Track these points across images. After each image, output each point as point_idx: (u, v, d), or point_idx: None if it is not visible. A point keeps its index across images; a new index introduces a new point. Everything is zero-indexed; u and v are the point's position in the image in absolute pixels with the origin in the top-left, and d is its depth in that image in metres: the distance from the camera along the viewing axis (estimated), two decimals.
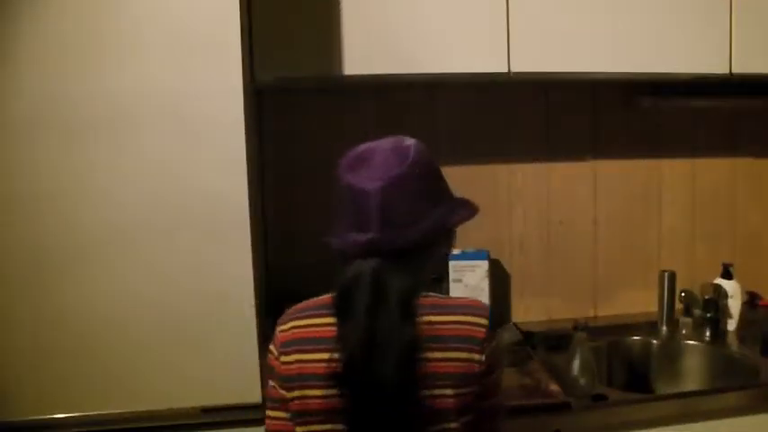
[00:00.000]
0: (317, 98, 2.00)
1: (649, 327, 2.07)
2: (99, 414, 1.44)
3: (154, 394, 1.45)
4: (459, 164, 2.02)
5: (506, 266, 2.17)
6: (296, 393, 1.11)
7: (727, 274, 2.03)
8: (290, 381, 1.11)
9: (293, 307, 1.18)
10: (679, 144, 2.21)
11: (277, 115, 2.00)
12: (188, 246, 1.42)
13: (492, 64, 1.75)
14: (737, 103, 2.13)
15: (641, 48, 1.80)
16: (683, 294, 2.02)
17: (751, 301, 2.20)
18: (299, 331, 1.13)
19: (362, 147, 1.15)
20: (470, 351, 1.08)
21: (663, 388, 1.97)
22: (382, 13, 1.70)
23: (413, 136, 1.17)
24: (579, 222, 2.19)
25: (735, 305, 2.03)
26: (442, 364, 1.07)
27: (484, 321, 1.11)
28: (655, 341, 2.02)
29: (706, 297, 2.00)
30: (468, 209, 1.20)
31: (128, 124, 1.38)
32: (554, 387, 1.66)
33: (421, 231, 1.10)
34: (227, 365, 1.46)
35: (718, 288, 2.02)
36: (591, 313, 2.21)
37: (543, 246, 2.18)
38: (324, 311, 1.12)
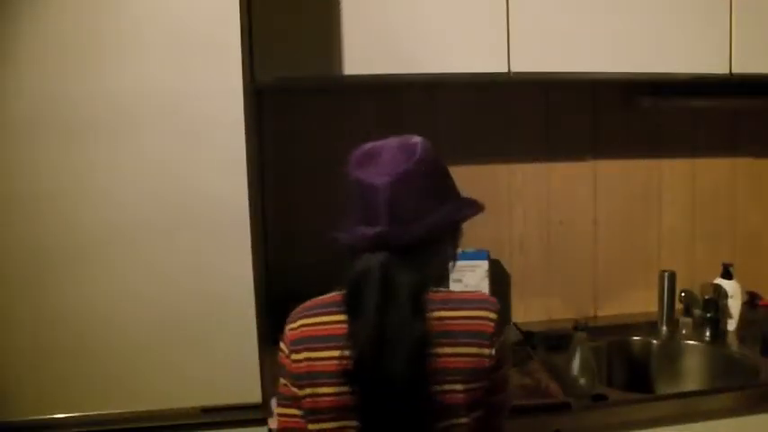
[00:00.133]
0: (317, 98, 2.00)
1: (649, 327, 2.07)
2: (99, 414, 1.43)
3: (154, 394, 1.45)
4: (459, 164, 1.98)
5: (506, 266, 2.17)
6: (307, 391, 1.11)
7: (727, 274, 2.03)
8: (300, 378, 1.12)
9: (302, 305, 1.18)
10: (679, 144, 2.21)
11: (277, 115, 1.99)
12: (188, 246, 1.42)
13: (492, 64, 1.75)
14: (737, 103, 2.13)
15: (641, 48, 1.80)
16: (683, 294, 2.02)
17: (751, 301, 2.20)
18: (308, 329, 1.14)
19: (370, 144, 1.16)
20: (480, 346, 1.09)
21: (663, 388, 1.98)
22: (382, 13, 1.70)
23: None
24: (579, 222, 2.19)
25: (735, 305, 2.03)
26: (453, 359, 1.07)
27: (493, 316, 1.12)
28: (655, 341, 2.02)
29: (706, 297, 2.00)
30: (474, 207, 1.20)
31: (128, 124, 1.38)
32: (554, 387, 1.66)
33: (426, 227, 1.11)
34: (227, 365, 1.45)
35: (718, 288, 2.02)
36: (591, 313, 2.21)
37: (543, 246, 2.18)
38: (333, 309, 1.13)
